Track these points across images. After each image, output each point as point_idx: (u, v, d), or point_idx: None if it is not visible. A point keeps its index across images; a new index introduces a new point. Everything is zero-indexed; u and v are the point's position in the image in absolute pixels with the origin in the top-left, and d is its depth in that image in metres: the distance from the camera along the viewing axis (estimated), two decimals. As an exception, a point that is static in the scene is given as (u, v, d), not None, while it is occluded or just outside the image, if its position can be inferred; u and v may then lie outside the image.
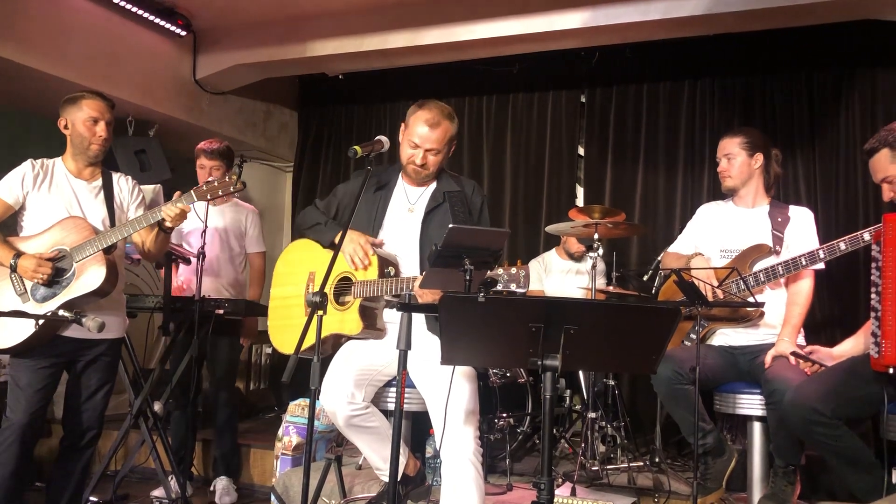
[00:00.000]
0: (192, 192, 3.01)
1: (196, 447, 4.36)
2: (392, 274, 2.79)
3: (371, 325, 2.83)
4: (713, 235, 3.40)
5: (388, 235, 2.94)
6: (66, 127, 3.14)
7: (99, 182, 3.20)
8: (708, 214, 3.52)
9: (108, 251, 2.97)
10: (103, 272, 2.93)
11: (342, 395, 2.75)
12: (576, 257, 4.94)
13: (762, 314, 3.16)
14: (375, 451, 2.86)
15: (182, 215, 3.02)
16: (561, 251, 5.02)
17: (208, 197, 3.00)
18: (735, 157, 3.31)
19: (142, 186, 3.41)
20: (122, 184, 3.28)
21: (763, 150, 3.32)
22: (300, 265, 3.08)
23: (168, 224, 3.03)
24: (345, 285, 2.88)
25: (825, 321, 4.60)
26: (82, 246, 2.95)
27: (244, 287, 4.41)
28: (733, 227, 3.35)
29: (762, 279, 3.15)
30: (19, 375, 2.97)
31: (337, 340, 2.92)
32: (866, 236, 2.91)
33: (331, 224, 2.99)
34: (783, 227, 3.25)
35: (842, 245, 2.98)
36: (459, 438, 2.61)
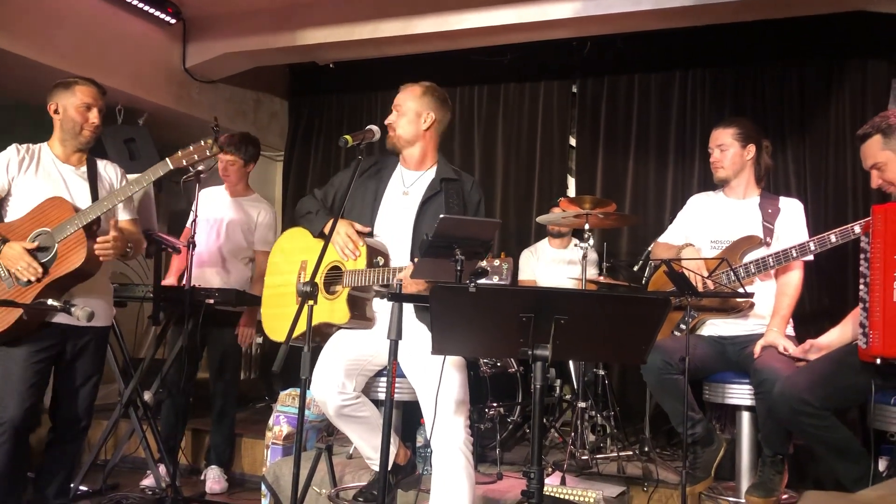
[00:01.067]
0: (167, 159, 2.96)
1: (188, 436, 4.35)
2: (381, 264, 2.79)
3: (359, 315, 2.83)
4: (704, 226, 3.41)
5: (383, 218, 2.96)
6: (56, 111, 3.08)
7: (85, 168, 3.16)
8: (699, 205, 3.53)
9: (90, 230, 2.92)
10: (85, 252, 2.87)
11: (333, 385, 2.75)
12: (555, 234, 4.95)
13: (752, 305, 3.18)
14: (366, 441, 2.87)
15: (114, 246, 2.91)
16: (553, 240, 5.03)
17: (184, 163, 2.94)
18: (728, 148, 3.32)
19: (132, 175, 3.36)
20: (110, 171, 3.24)
21: (755, 141, 3.33)
22: (293, 254, 3.08)
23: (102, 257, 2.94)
24: (335, 274, 2.89)
25: (814, 312, 4.63)
26: (63, 225, 2.89)
27: (248, 283, 4.34)
28: (724, 218, 3.36)
29: (752, 270, 3.16)
30: (10, 369, 2.91)
31: (327, 330, 2.93)
32: (857, 229, 2.92)
33: (321, 213, 2.99)
34: (773, 218, 3.26)
35: (832, 237, 2.99)
36: (450, 428, 2.62)
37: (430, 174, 3.01)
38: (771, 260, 3.13)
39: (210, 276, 4.16)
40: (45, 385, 3.04)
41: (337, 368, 2.78)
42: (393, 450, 2.96)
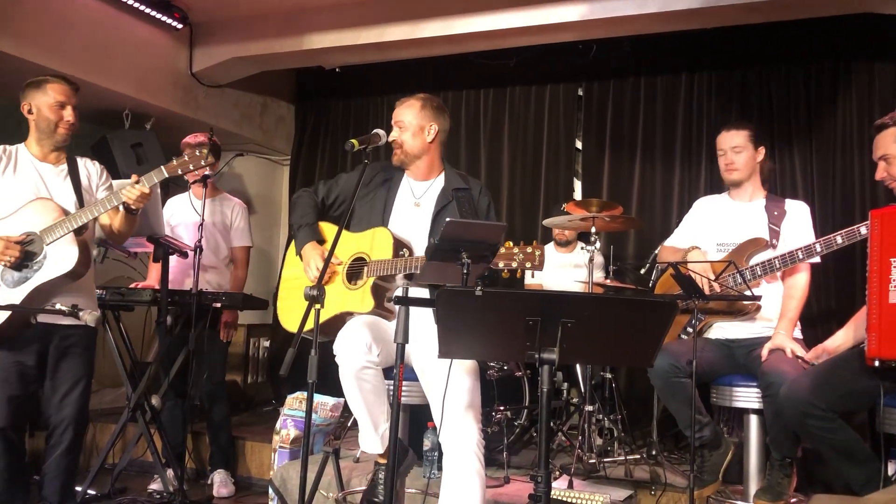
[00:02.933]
0: (161, 168, 2.95)
1: (189, 440, 4.36)
2: (406, 255, 2.80)
3: (381, 304, 2.85)
4: (710, 229, 3.40)
5: (395, 229, 2.96)
6: (29, 111, 3.08)
7: (65, 166, 3.15)
8: (705, 208, 3.52)
9: (78, 233, 2.92)
10: (76, 254, 2.88)
11: (361, 343, 2.70)
12: (560, 242, 4.96)
13: (759, 308, 3.17)
14: (368, 412, 2.78)
15: (143, 197, 2.96)
16: (556, 244, 5.03)
17: (179, 172, 2.95)
18: (742, 150, 3.31)
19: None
20: (89, 167, 3.23)
21: (764, 143, 3.35)
22: None
23: (132, 207, 2.98)
24: (358, 265, 2.90)
25: (822, 314, 4.61)
26: (52, 228, 2.90)
27: (227, 281, 4.39)
28: (730, 220, 3.36)
29: (759, 273, 3.15)
30: None
31: (344, 319, 2.92)
32: (863, 230, 2.92)
33: (304, 231, 3.03)
34: (780, 220, 3.26)
35: (838, 239, 2.99)
36: (463, 431, 2.62)
37: (440, 183, 3.02)
38: (777, 262, 3.12)
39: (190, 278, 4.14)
40: (31, 385, 3.00)
41: (366, 331, 2.74)
42: (387, 436, 2.90)
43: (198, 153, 2.93)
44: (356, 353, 2.70)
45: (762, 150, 3.34)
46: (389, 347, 2.83)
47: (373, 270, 2.83)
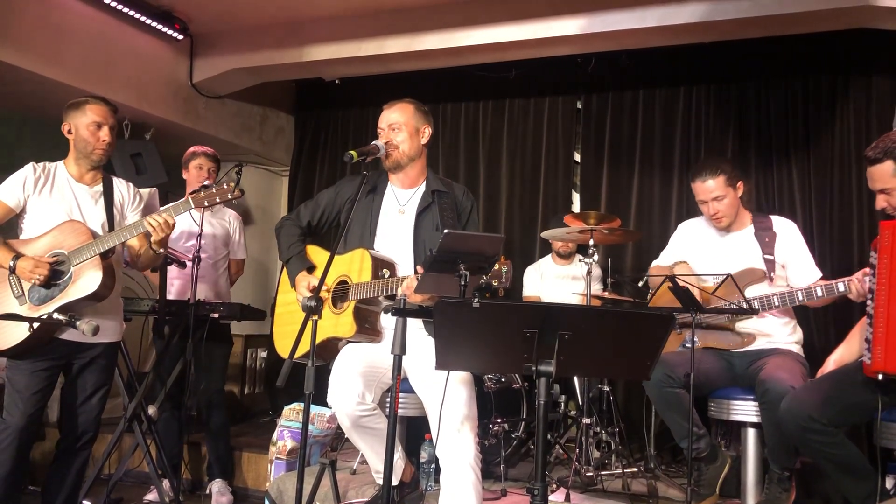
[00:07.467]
0: (189, 198, 3.01)
1: (185, 451, 4.34)
2: (387, 276, 2.80)
3: (365, 328, 2.84)
4: (702, 261, 3.38)
5: (383, 238, 2.97)
6: (69, 132, 3.16)
7: (100, 187, 3.22)
8: (692, 234, 3.51)
9: (105, 255, 2.98)
10: (100, 276, 2.94)
11: (352, 395, 2.74)
12: (562, 254, 4.96)
13: (754, 338, 3.18)
14: (378, 454, 2.85)
15: (165, 225, 2.99)
16: (556, 256, 5.03)
17: (206, 204, 3.00)
18: (724, 197, 3.26)
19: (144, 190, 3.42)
20: (123, 189, 3.30)
21: (739, 177, 3.30)
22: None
23: (153, 238, 3.00)
24: (343, 289, 2.89)
25: (819, 326, 4.60)
26: (80, 250, 2.96)
27: (227, 292, 4.39)
28: (722, 252, 3.34)
29: (756, 307, 3.12)
30: (16, 378, 2.98)
31: (334, 345, 2.92)
32: (841, 287, 2.96)
33: (293, 261, 3.04)
34: (772, 247, 3.24)
35: (840, 286, 2.98)
36: (460, 443, 2.62)
37: (422, 189, 3.03)
38: (776, 300, 3.11)
39: (202, 290, 4.14)
40: (49, 393, 3.08)
41: (356, 379, 2.77)
42: (401, 465, 2.95)
43: (225, 186, 2.98)
44: (349, 406, 2.75)
45: (741, 186, 3.29)
46: (383, 379, 2.85)
47: (354, 293, 2.83)
